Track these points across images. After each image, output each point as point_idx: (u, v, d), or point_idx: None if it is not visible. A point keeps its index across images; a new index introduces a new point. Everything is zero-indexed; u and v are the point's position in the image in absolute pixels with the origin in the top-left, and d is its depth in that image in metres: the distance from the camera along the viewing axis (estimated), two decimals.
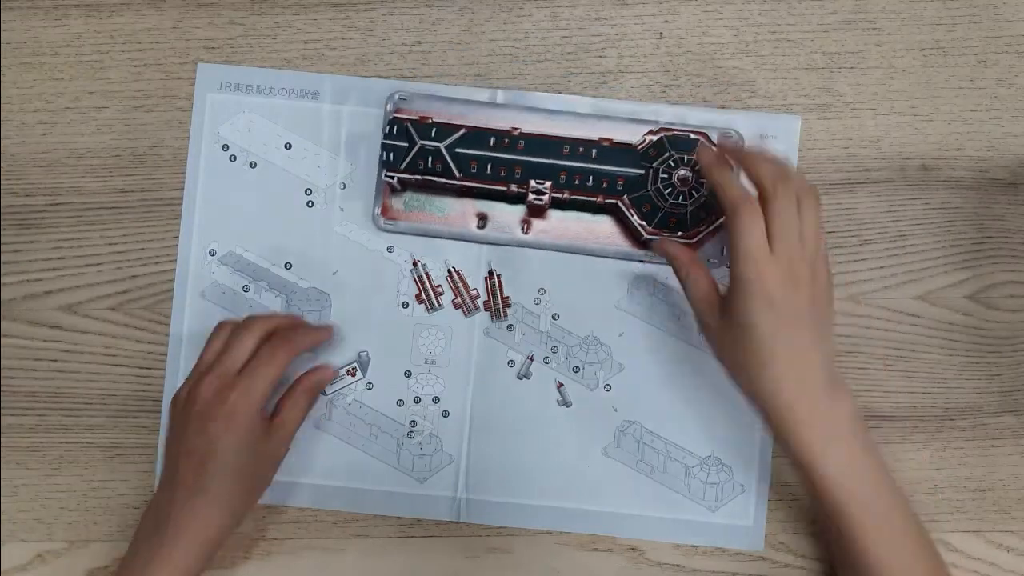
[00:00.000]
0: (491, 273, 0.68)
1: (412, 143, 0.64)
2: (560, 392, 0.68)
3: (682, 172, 0.64)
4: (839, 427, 0.57)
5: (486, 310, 0.68)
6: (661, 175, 0.64)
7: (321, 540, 0.68)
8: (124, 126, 0.69)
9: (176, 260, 0.68)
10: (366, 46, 0.69)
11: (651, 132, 0.65)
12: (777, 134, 0.68)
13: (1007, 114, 0.69)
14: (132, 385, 0.68)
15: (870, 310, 0.68)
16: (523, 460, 0.68)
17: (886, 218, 0.69)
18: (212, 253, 0.68)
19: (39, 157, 0.68)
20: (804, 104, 0.69)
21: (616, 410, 0.68)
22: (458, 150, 0.64)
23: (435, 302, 0.68)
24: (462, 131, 0.64)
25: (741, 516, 0.67)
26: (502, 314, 0.68)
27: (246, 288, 0.68)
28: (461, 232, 0.68)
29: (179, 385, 0.62)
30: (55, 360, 0.68)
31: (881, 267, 0.68)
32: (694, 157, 0.63)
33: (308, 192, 0.68)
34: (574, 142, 0.64)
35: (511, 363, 0.68)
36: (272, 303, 0.68)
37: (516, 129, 0.65)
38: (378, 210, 0.68)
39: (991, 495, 0.68)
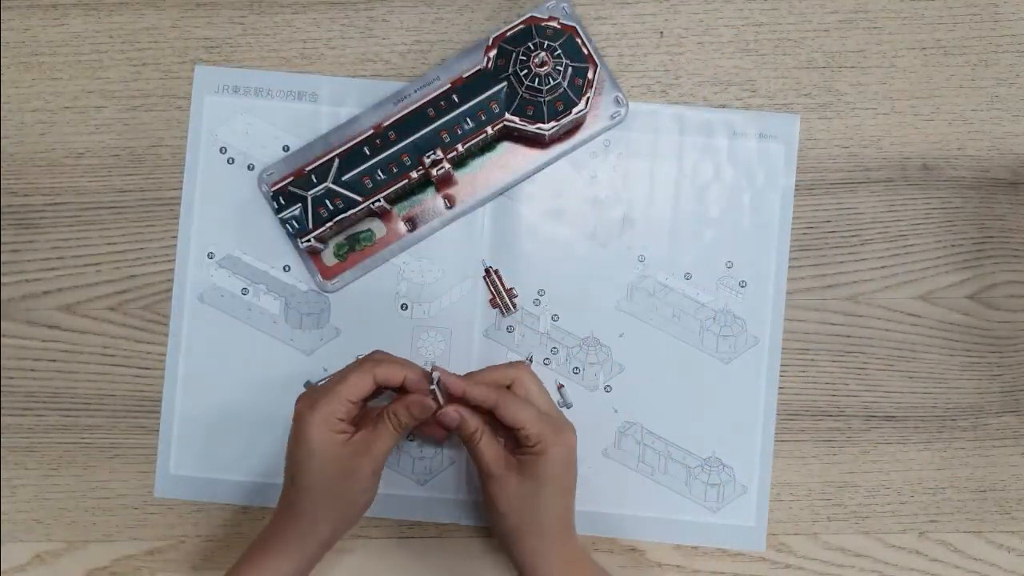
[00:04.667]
0: (488, 271, 0.68)
1: (303, 200, 0.64)
2: (560, 393, 0.68)
3: (539, 57, 0.63)
4: (583, 560, 0.63)
5: (493, 307, 0.68)
6: (519, 68, 0.64)
7: None
8: (123, 126, 0.68)
9: (175, 260, 0.68)
10: (366, 45, 0.69)
11: (488, 48, 0.65)
12: (777, 133, 0.68)
13: (1008, 113, 0.69)
14: (131, 385, 0.68)
15: (871, 310, 0.68)
16: None
17: (887, 218, 0.68)
18: (211, 256, 0.68)
19: (38, 157, 0.68)
20: (805, 103, 0.69)
21: (616, 411, 0.68)
22: (344, 178, 0.64)
23: (510, 305, 0.68)
24: (335, 161, 0.64)
25: (742, 517, 0.67)
26: (511, 307, 0.68)
27: (244, 291, 0.68)
28: (401, 245, 0.68)
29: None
30: (54, 360, 0.68)
31: (882, 267, 0.68)
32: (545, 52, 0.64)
33: None
34: (432, 102, 0.65)
35: None
36: (271, 305, 0.68)
37: (379, 125, 0.65)
38: (318, 278, 0.68)
39: (992, 495, 0.68)
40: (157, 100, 0.69)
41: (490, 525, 0.62)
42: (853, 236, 0.68)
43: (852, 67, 0.69)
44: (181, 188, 0.68)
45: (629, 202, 0.68)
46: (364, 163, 0.64)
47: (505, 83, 0.64)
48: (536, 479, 0.59)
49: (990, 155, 0.69)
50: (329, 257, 0.68)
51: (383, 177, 0.64)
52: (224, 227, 0.68)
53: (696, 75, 0.69)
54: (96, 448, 0.68)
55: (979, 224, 0.69)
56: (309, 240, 0.64)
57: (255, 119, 0.68)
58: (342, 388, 0.58)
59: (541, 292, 0.68)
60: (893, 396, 0.68)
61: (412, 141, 0.64)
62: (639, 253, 0.68)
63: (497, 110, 0.64)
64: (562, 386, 0.68)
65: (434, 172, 0.65)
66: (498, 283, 0.68)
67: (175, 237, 0.68)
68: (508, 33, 0.64)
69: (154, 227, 0.68)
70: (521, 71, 0.63)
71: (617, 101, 0.68)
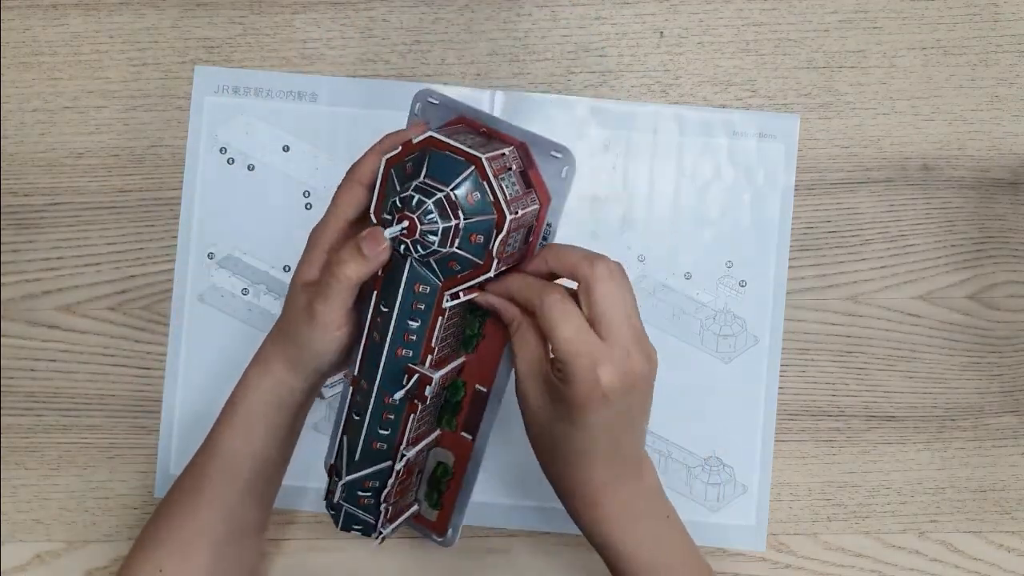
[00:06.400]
0: None
1: None
2: None
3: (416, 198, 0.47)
4: (640, 506, 0.52)
5: None
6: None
7: (321, 541, 0.67)
8: (123, 126, 0.68)
9: (175, 260, 0.68)
10: (366, 45, 0.69)
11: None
12: (777, 133, 0.68)
13: (1008, 113, 0.69)
14: (131, 385, 0.68)
15: (871, 310, 0.68)
16: (523, 462, 0.67)
17: (887, 218, 0.68)
18: (211, 256, 0.68)
19: (38, 157, 0.68)
20: (805, 103, 0.69)
21: None
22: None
23: None
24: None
25: (742, 516, 0.67)
26: None
27: (244, 291, 0.68)
28: None
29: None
30: (54, 360, 0.68)
31: (882, 267, 0.68)
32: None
33: (306, 194, 0.68)
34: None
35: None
36: (271, 306, 0.68)
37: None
38: None
39: (992, 495, 0.68)
40: (157, 100, 0.69)
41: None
42: (853, 236, 0.68)
43: (852, 67, 0.69)
44: (181, 188, 0.68)
45: (629, 202, 0.68)
46: None
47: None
48: (564, 417, 0.48)
49: (990, 155, 0.69)
50: None
51: None
52: (224, 227, 0.68)
53: (696, 75, 0.69)
54: (96, 448, 0.68)
55: (979, 224, 0.69)
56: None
57: (255, 119, 0.68)
58: (316, 234, 0.53)
59: None
60: (893, 396, 0.68)
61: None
62: (639, 253, 0.68)
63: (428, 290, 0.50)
64: None
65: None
66: None
67: (175, 237, 0.68)
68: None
69: (154, 227, 0.68)
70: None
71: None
